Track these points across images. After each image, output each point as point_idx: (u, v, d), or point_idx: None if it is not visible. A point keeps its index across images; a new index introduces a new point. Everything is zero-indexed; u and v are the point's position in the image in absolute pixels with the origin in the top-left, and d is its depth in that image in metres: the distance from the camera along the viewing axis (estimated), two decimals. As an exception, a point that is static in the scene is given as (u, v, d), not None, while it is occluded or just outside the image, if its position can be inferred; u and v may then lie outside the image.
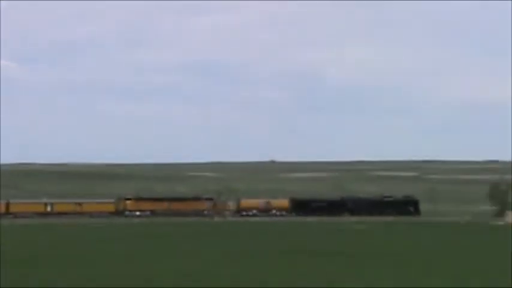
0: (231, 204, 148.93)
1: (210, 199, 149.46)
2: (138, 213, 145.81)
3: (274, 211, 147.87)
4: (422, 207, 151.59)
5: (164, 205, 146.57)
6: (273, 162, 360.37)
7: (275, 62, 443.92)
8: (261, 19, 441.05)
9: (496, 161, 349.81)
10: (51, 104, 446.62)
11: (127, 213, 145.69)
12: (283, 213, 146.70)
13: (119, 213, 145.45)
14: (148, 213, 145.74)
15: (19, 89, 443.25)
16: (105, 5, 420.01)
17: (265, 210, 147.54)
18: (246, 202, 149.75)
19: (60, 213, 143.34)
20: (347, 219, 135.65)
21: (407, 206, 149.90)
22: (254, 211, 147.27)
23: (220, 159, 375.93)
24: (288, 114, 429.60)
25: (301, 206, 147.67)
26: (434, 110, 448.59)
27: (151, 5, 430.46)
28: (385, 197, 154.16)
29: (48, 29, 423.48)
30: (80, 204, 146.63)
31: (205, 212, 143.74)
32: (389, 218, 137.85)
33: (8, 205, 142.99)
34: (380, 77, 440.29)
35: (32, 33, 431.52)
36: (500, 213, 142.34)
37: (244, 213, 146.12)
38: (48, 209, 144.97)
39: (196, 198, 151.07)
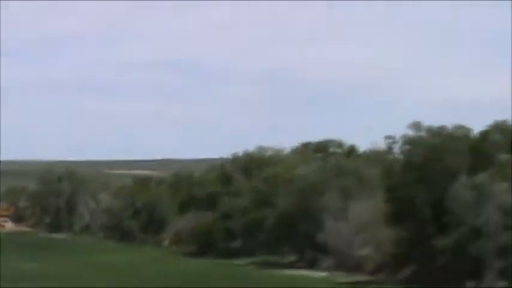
0: None
1: None
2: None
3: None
4: None
5: None
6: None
7: (249, 60, 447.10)
8: (236, 17, 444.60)
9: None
10: (27, 101, 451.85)
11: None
12: None
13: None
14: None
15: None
16: (83, 2, 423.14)
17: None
18: None
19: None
20: None
21: None
22: None
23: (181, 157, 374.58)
24: (261, 112, 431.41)
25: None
26: (410, 109, 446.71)
27: (128, 3, 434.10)
28: None
29: (24, 25, 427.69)
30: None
31: None
32: None
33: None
34: (356, 75, 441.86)
35: (6, 30, 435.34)
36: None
37: None
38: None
39: None
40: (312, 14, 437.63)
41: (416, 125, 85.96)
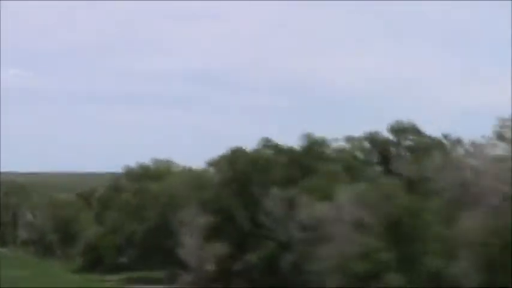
0: None
1: None
2: None
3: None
4: None
5: None
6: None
7: (263, 70, 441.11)
8: (250, 27, 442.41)
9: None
10: (31, 112, 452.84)
11: None
12: None
13: None
14: None
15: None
16: (85, 13, 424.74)
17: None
18: None
19: None
20: None
21: None
22: None
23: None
24: (276, 122, 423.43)
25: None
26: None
27: (134, 13, 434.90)
28: None
29: (28, 36, 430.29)
30: None
31: None
32: None
33: None
34: (369, 86, 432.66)
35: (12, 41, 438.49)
36: None
37: None
38: None
39: None
40: (330, 24, 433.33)
41: (265, 140, 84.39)
